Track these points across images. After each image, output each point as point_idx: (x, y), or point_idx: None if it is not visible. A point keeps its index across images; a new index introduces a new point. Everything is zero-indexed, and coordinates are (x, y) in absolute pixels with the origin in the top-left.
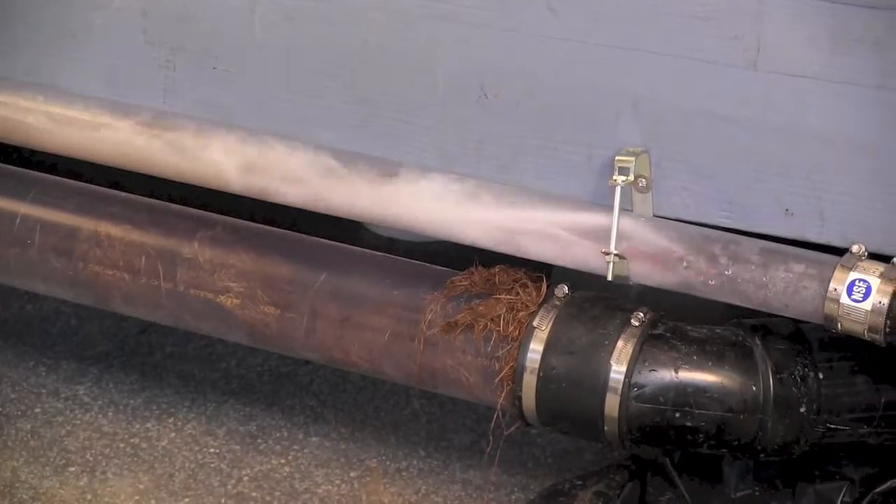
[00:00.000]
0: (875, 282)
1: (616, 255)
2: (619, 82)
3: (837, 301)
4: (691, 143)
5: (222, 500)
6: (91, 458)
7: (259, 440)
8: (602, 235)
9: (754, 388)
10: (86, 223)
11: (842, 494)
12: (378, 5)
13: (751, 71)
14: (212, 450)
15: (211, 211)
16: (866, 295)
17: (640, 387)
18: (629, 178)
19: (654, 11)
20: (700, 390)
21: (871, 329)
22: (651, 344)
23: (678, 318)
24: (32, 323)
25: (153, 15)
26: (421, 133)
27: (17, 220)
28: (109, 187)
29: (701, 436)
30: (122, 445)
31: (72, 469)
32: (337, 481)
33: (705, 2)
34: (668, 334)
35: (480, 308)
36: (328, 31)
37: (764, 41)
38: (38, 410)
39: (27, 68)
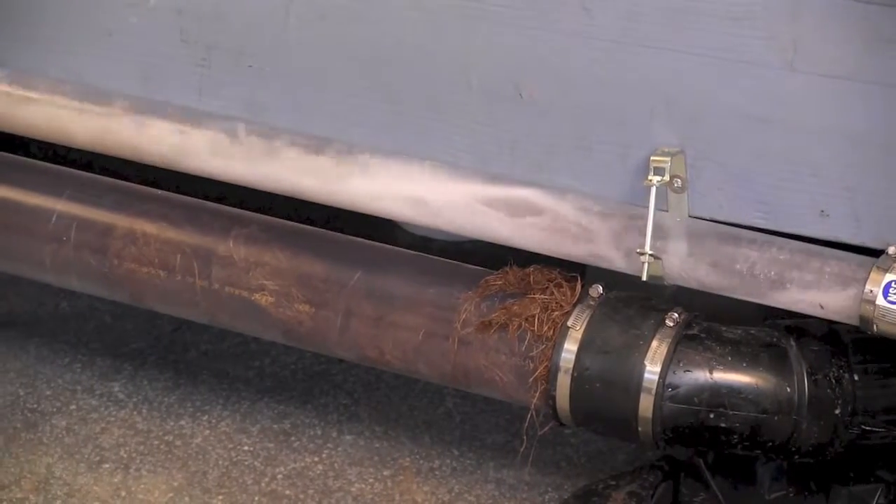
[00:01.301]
0: None
1: (651, 254)
2: (654, 82)
3: (873, 303)
4: (726, 144)
5: (256, 498)
6: (125, 455)
7: (293, 438)
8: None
9: (789, 390)
10: (121, 221)
11: (876, 496)
12: (412, 4)
13: (786, 71)
14: (245, 447)
15: (245, 209)
16: None
17: (675, 387)
18: (664, 178)
19: (687, 11)
20: (734, 391)
21: None
22: (685, 344)
23: (712, 319)
24: (67, 320)
25: (188, 13)
26: (455, 132)
27: (53, 218)
28: (144, 185)
29: (735, 437)
30: (156, 443)
31: (106, 466)
32: (370, 480)
33: (740, 2)
34: (703, 335)
35: (515, 307)
36: (362, 30)
37: (800, 41)
38: (72, 407)
39: (61, 66)
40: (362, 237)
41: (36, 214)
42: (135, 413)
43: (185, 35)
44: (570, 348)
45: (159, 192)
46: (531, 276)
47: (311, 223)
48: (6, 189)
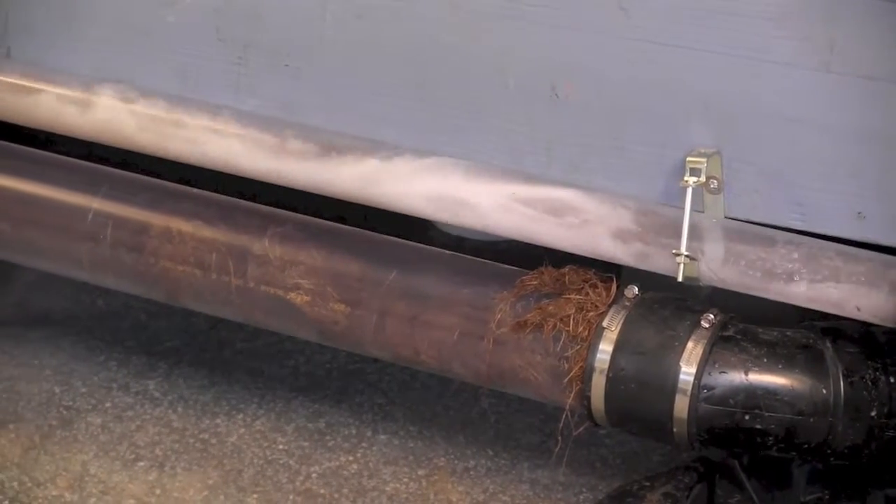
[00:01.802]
0: None
1: (687, 255)
2: (690, 83)
3: None
4: (762, 145)
5: (290, 497)
6: (160, 453)
7: (327, 437)
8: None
9: (825, 392)
10: (157, 219)
11: None
12: (448, 4)
13: (823, 72)
14: (280, 446)
15: (280, 208)
16: None
17: (710, 388)
18: (701, 179)
19: (723, 11)
20: (770, 393)
21: None
22: (721, 346)
23: (748, 320)
24: (103, 318)
25: (225, 12)
26: (491, 132)
27: (90, 216)
28: (180, 184)
29: (770, 438)
30: (191, 441)
31: (141, 464)
32: (405, 479)
33: (775, 3)
34: (739, 336)
35: (550, 308)
36: (397, 29)
37: (836, 43)
38: (108, 405)
39: (97, 65)
40: (397, 237)
41: (72, 213)
42: (170, 411)
43: (221, 34)
44: (605, 349)
45: (195, 190)
46: (566, 277)
47: (346, 222)
48: (43, 187)
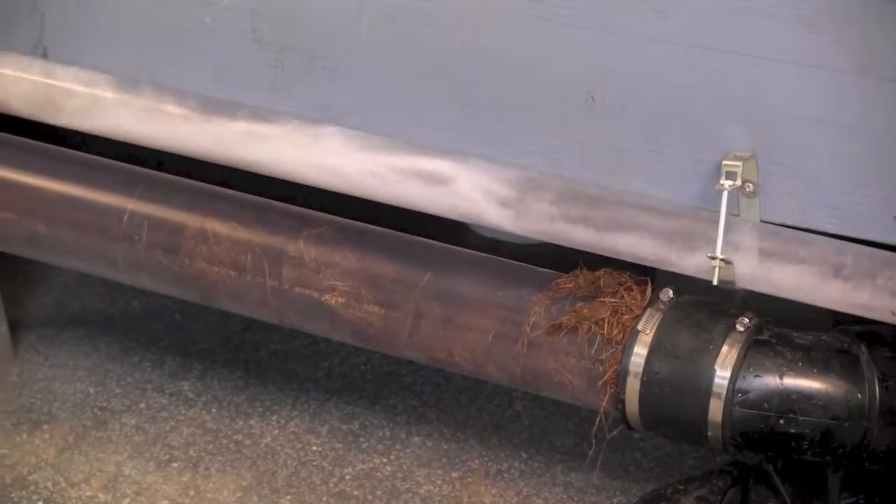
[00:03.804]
0: None
1: (722, 259)
2: (726, 86)
3: None
4: (798, 148)
5: (324, 499)
6: (194, 454)
7: (361, 439)
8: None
9: (860, 396)
10: (193, 220)
11: None
12: (483, 6)
13: (859, 76)
14: (314, 448)
15: (315, 209)
16: None
17: (745, 392)
18: (736, 182)
19: (758, 14)
20: (805, 397)
21: None
22: (756, 349)
23: (783, 324)
24: (138, 318)
25: (262, 13)
26: (526, 135)
27: (126, 216)
28: (215, 185)
29: (805, 443)
30: (225, 442)
31: (175, 465)
32: (438, 482)
33: (809, 6)
34: (774, 340)
35: (585, 311)
36: (432, 32)
37: (872, 46)
38: (142, 406)
39: (134, 64)
40: (431, 239)
41: (108, 213)
42: (204, 412)
43: (258, 35)
44: (639, 352)
45: (230, 191)
46: (601, 280)
47: (381, 224)
48: (78, 188)
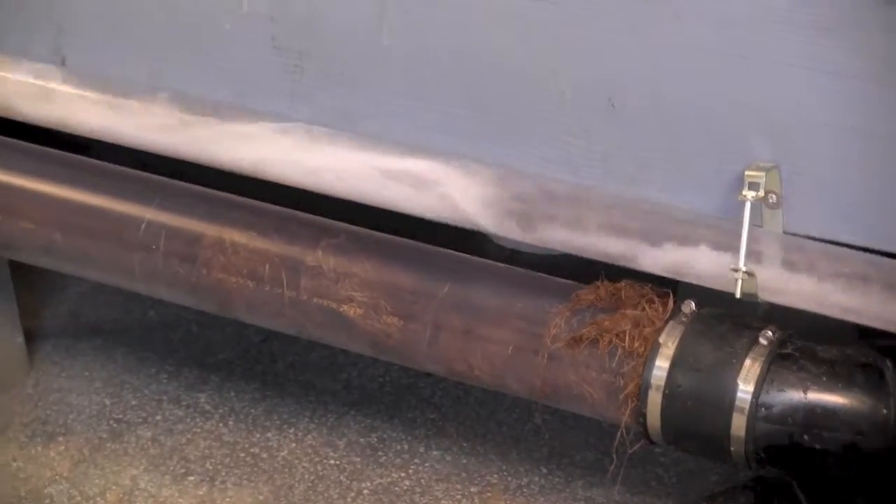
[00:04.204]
0: None
1: (745, 271)
2: (747, 94)
3: None
4: (821, 158)
5: None
6: (211, 468)
7: (380, 453)
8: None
9: (885, 411)
10: (210, 229)
11: None
12: (502, 12)
13: (882, 84)
14: (332, 461)
15: (332, 219)
16: None
17: (768, 407)
18: (759, 193)
19: (779, 21)
20: (829, 412)
21: None
22: (779, 363)
23: (806, 337)
24: (155, 329)
25: (281, 20)
26: (544, 143)
27: (143, 226)
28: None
29: (829, 458)
30: (242, 455)
31: (191, 478)
32: (457, 496)
33: (829, 14)
34: (797, 354)
35: (606, 323)
36: (453, 40)
37: (889, 53)
38: (158, 418)
39: (152, 72)
40: (450, 249)
41: (125, 222)
42: (221, 425)
43: (277, 42)
44: (661, 365)
45: (248, 200)
46: (623, 292)
47: (399, 235)
48: (95, 196)
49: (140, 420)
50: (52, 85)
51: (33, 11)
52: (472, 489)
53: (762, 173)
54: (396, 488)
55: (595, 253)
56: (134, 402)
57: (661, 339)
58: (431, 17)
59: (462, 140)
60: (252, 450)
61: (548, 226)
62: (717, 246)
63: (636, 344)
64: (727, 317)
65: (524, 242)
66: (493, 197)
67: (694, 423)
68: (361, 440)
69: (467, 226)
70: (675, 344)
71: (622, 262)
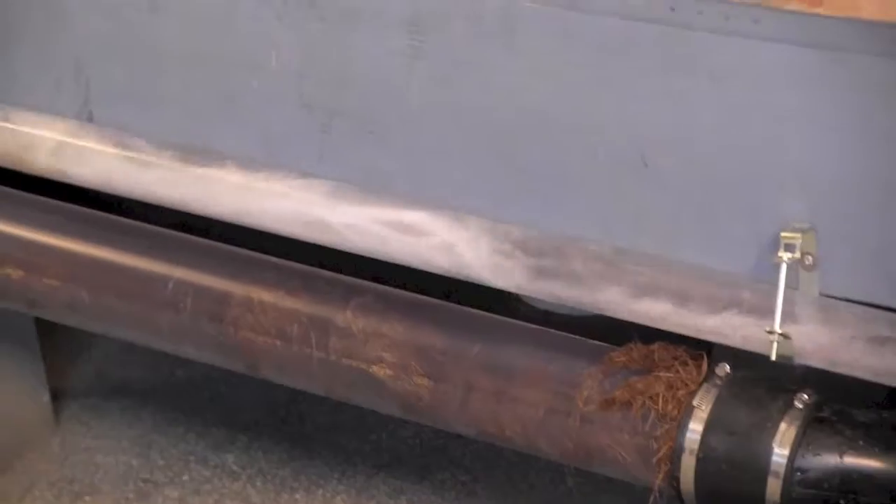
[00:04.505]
0: None
1: (781, 334)
2: (783, 153)
3: None
4: (858, 218)
5: None
6: None
7: None
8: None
9: None
10: (238, 288)
11: None
12: (535, 71)
13: None
14: None
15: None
16: None
17: (804, 471)
18: (795, 255)
19: (814, 80)
20: (866, 477)
21: None
22: (815, 427)
23: (842, 399)
24: (182, 388)
25: (310, 78)
26: (577, 202)
27: (171, 284)
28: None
29: None
30: None
31: None
32: None
33: (864, 75)
34: (834, 417)
35: (639, 385)
36: (484, 97)
37: None
38: (185, 478)
39: (182, 129)
40: (481, 309)
41: (153, 281)
42: (248, 486)
43: (305, 99)
44: (695, 428)
45: (276, 259)
46: (656, 353)
47: (428, 294)
48: (123, 255)
49: (167, 480)
50: (80, 142)
51: (60, 67)
52: None
53: (798, 234)
54: None
55: (627, 314)
56: (161, 462)
57: (694, 402)
58: (461, 75)
59: (495, 199)
60: None
61: (578, 286)
62: (753, 308)
63: (669, 407)
64: (762, 380)
65: (556, 303)
66: (520, 255)
67: (728, 487)
68: (391, 502)
69: (498, 285)
70: (710, 407)
71: (655, 324)
